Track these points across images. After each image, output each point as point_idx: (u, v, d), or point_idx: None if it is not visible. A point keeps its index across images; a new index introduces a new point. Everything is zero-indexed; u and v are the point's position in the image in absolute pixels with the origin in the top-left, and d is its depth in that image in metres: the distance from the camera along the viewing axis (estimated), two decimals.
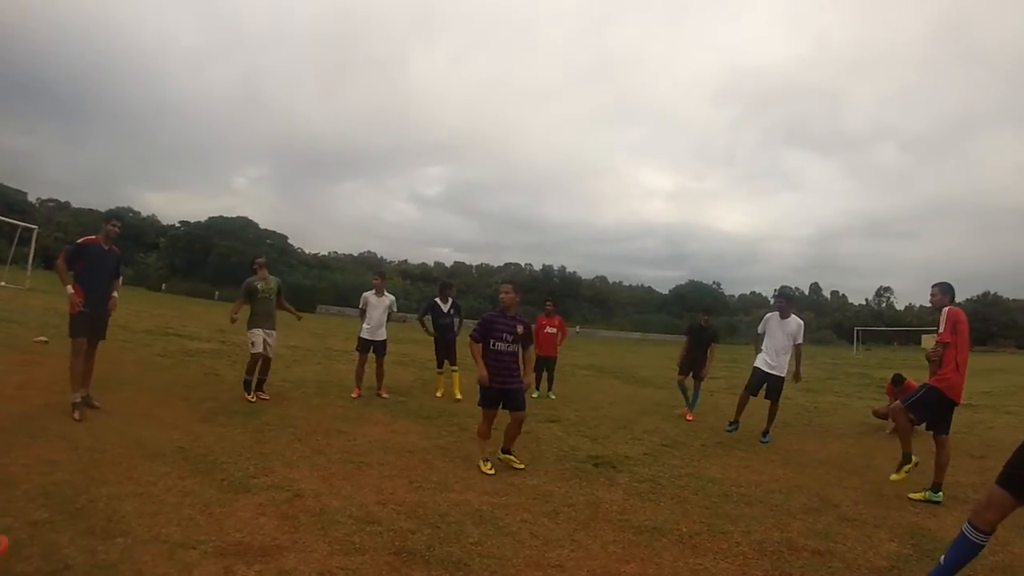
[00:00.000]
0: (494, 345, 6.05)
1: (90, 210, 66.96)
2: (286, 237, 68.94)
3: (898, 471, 6.29)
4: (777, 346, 8.63)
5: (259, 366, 8.60)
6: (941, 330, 6.00)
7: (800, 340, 8.62)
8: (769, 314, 9.00)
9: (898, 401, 6.40)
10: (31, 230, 28.76)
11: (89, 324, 6.68)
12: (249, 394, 8.31)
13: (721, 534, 4.71)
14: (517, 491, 5.41)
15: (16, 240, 28.63)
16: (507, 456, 6.27)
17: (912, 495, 6.08)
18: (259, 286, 8.62)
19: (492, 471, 5.84)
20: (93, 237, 6.85)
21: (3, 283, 23.52)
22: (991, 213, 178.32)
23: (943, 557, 3.63)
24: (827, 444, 8.72)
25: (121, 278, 7.41)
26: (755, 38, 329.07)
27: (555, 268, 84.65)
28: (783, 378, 8.64)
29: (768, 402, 8.70)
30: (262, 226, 67.34)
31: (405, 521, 4.43)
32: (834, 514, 5.42)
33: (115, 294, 7.02)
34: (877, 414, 10.44)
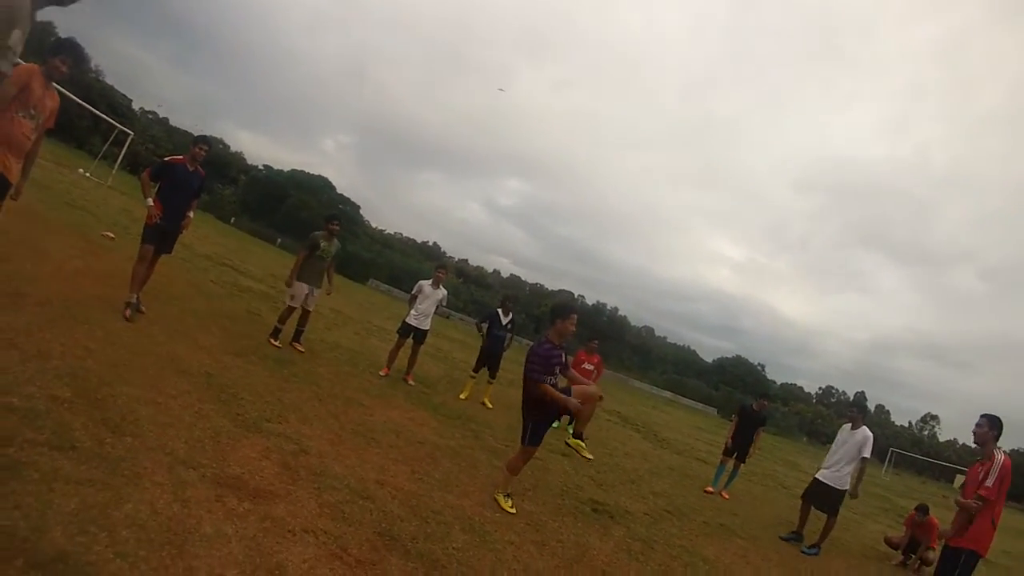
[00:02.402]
0: (549, 381, 5.43)
1: (184, 131, 69.12)
2: (359, 207, 70.12)
3: None
4: (843, 458, 8.27)
5: (299, 318, 8.75)
6: (990, 484, 5.48)
7: (867, 454, 8.14)
8: (842, 427, 8.62)
9: None
10: (127, 134, 29.82)
11: (160, 236, 6.91)
12: (275, 340, 8.42)
13: None
14: (512, 512, 5.36)
15: (110, 140, 29.68)
16: (579, 442, 5.72)
17: None
18: (322, 244, 8.73)
19: (514, 510, 5.37)
20: (180, 157, 7.09)
21: (88, 174, 24.38)
22: None
23: None
24: (829, 559, 8.29)
25: (200, 199, 7.61)
26: (856, 133, 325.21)
27: (607, 307, 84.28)
28: (844, 492, 8.23)
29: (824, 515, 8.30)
30: (339, 190, 68.66)
31: (398, 507, 4.43)
32: None
33: (191, 214, 7.23)
34: (889, 543, 10.08)
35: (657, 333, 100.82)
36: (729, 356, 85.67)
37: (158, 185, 6.89)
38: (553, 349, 5.41)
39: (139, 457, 3.53)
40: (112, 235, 11.20)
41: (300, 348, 8.72)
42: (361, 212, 70.70)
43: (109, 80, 64.52)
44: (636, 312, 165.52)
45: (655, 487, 9.13)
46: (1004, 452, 5.63)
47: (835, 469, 8.24)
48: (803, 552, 7.98)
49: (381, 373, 9.52)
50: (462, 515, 4.79)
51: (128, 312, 6.55)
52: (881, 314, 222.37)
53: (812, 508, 8.38)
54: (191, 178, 7.09)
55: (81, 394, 4.05)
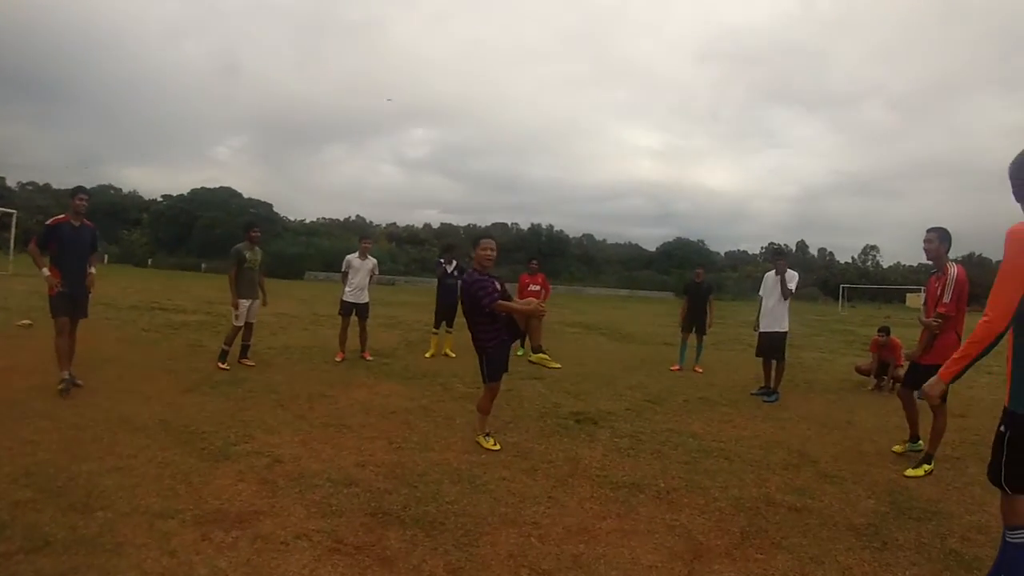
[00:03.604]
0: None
1: (69, 190, 66.16)
2: (271, 205, 68.59)
3: (916, 467, 5.56)
4: (774, 303, 8.63)
5: (242, 333, 8.69)
6: (947, 299, 5.53)
7: (791, 285, 8.51)
8: (767, 275, 9.00)
9: (910, 390, 5.89)
10: (10, 215, 28.41)
11: (69, 303, 6.69)
12: (223, 363, 8.33)
13: (699, 490, 4.78)
14: (496, 449, 5.49)
15: None
16: (541, 355, 5.70)
17: (895, 448, 6.18)
18: (247, 255, 8.63)
19: (498, 447, 5.50)
20: (63, 216, 6.78)
21: None
22: (976, 174, 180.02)
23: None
24: (809, 400, 8.81)
25: (98, 252, 7.37)
26: None
27: (542, 227, 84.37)
28: (784, 333, 8.64)
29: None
30: (246, 195, 66.90)
31: (383, 482, 4.50)
32: (813, 470, 5.47)
33: (92, 270, 6.95)
34: (860, 370, 10.67)
35: (597, 238, 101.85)
36: (671, 240, 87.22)
37: (49, 251, 6.65)
38: (483, 276, 5.42)
39: (116, 527, 3.51)
40: (29, 322, 10.82)
41: (250, 363, 8.66)
42: (275, 209, 69.27)
43: None
44: (573, 224, 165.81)
45: (630, 382, 9.43)
46: (956, 263, 5.67)
47: (770, 316, 8.65)
48: (765, 401, 8.39)
49: (337, 359, 9.54)
50: (448, 469, 4.89)
51: (63, 389, 6.38)
52: (804, 164, 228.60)
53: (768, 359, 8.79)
54: (81, 233, 6.81)
55: (41, 488, 3.97)
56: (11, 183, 66.67)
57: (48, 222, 6.80)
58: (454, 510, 4.09)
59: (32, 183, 72.29)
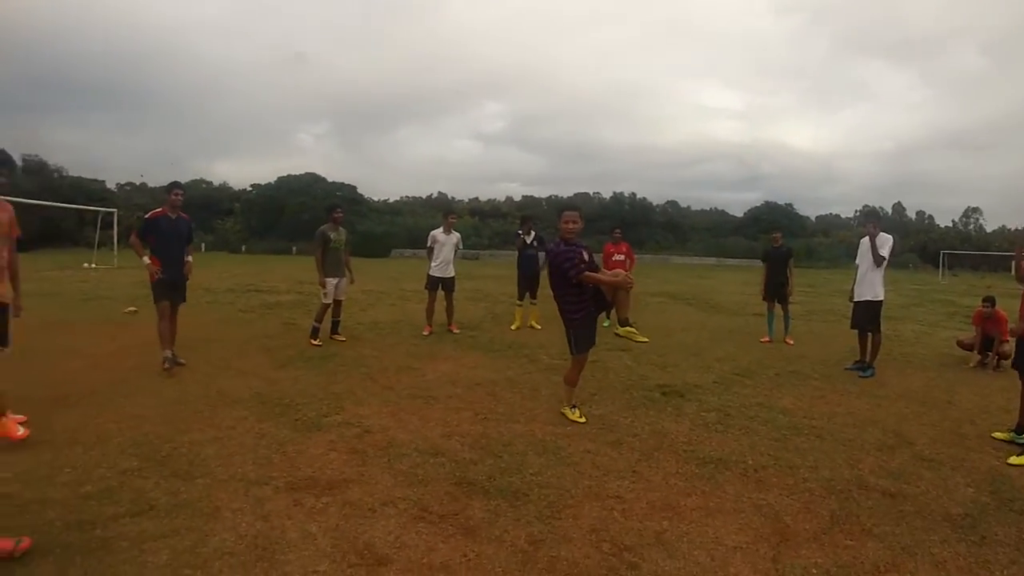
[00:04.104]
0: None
1: (163, 187, 68.95)
2: (355, 187, 69.41)
3: (1022, 454, 5.16)
4: (867, 270, 8.22)
5: (331, 310, 8.94)
6: None
7: (884, 252, 8.04)
8: (862, 240, 8.48)
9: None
10: (111, 213, 30.38)
11: (170, 289, 7.04)
12: (315, 339, 8.60)
13: (788, 469, 4.61)
14: (582, 422, 5.47)
15: (99, 224, 29.82)
16: (629, 328, 5.62)
17: (996, 434, 5.62)
18: (332, 235, 8.88)
19: (583, 419, 5.48)
20: (160, 210, 7.14)
21: (94, 265, 24.58)
22: None
23: None
24: (907, 376, 8.22)
25: (194, 242, 7.69)
26: None
27: (625, 195, 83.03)
28: (879, 302, 8.16)
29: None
30: (330, 179, 68.21)
31: (468, 452, 4.56)
32: (909, 452, 5.15)
33: (189, 259, 7.30)
34: (962, 345, 9.78)
35: (682, 205, 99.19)
36: (759, 205, 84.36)
37: (149, 243, 6.99)
38: (568, 247, 5.31)
39: (213, 493, 3.69)
40: (134, 309, 11.37)
41: (341, 338, 8.92)
42: (359, 191, 70.06)
43: (74, 173, 64.54)
44: (656, 191, 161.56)
45: (718, 354, 9.18)
46: None
47: (864, 284, 8.20)
48: (860, 376, 7.95)
49: (424, 333, 9.69)
50: (533, 440, 4.91)
51: (167, 366, 6.74)
52: (895, 118, 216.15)
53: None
54: (178, 225, 7.16)
55: (147, 458, 4.22)
56: (111, 185, 69.71)
57: (147, 215, 7.18)
58: (538, 482, 4.10)
59: (130, 183, 75.17)
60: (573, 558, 3.19)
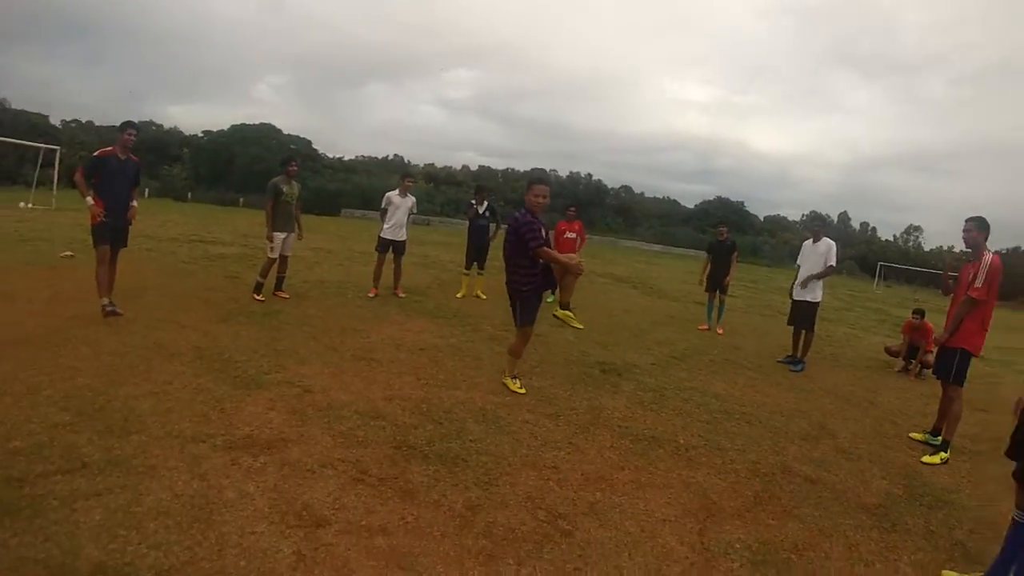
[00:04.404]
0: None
1: (112, 127, 66.57)
2: (310, 142, 68.11)
3: (933, 454, 5.53)
4: (810, 271, 8.52)
5: (276, 266, 8.79)
6: (979, 284, 5.42)
7: (832, 262, 8.42)
8: (804, 242, 8.87)
9: (954, 386, 5.71)
10: (53, 151, 28.70)
11: (111, 233, 6.82)
12: (259, 295, 8.46)
13: (717, 450, 4.83)
14: (522, 393, 5.55)
15: (40, 162, 28.39)
16: (567, 313, 5.77)
17: (913, 434, 6.05)
18: (284, 188, 8.68)
19: (523, 390, 5.58)
20: (110, 149, 6.89)
21: (31, 205, 23.60)
22: None
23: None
24: (835, 375, 8.68)
25: (139, 186, 7.47)
26: None
27: (581, 175, 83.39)
28: (817, 304, 8.53)
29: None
30: (286, 132, 66.81)
31: (409, 417, 4.60)
32: (831, 444, 5.47)
33: (134, 203, 7.09)
34: (889, 351, 10.41)
35: (636, 190, 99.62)
36: (711, 199, 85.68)
37: (94, 183, 6.76)
38: (533, 220, 5.36)
39: (149, 450, 3.63)
40: (71, 253, 11.03)
41: (284, 295, 8.80)
42: (315, 146, 68.72)
43: (17, 106, 61.77)
44: (612, 174, 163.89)
45: (658, 337, 9.44)
46: (992, 252, 5.56)
47: (802, 284, 8.51)
48: (791, 370, 8.32)
49: (370, 295, 9.64)
50: (473, 408, 4.98)
51: (108, 309, 6.58)
52: (856, 132, 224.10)
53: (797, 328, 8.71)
54: (126, 167, 6.92)
55: (79, 412, 4.10)
56: (55, 121, 66.91)
57: (96, 153, 6.92)
58: (477, 448, 4.18)
59: (76, 120, 72.63)
60: (509, 524, 3.27)
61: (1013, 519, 3.26)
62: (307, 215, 9.18)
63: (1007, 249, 75.29)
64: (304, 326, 7.17)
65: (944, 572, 3.50)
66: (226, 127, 65.27)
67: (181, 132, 73.59)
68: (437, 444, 4.14)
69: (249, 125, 65.33)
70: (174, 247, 14.26)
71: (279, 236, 8.60)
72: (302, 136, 67.32)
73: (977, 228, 5.58)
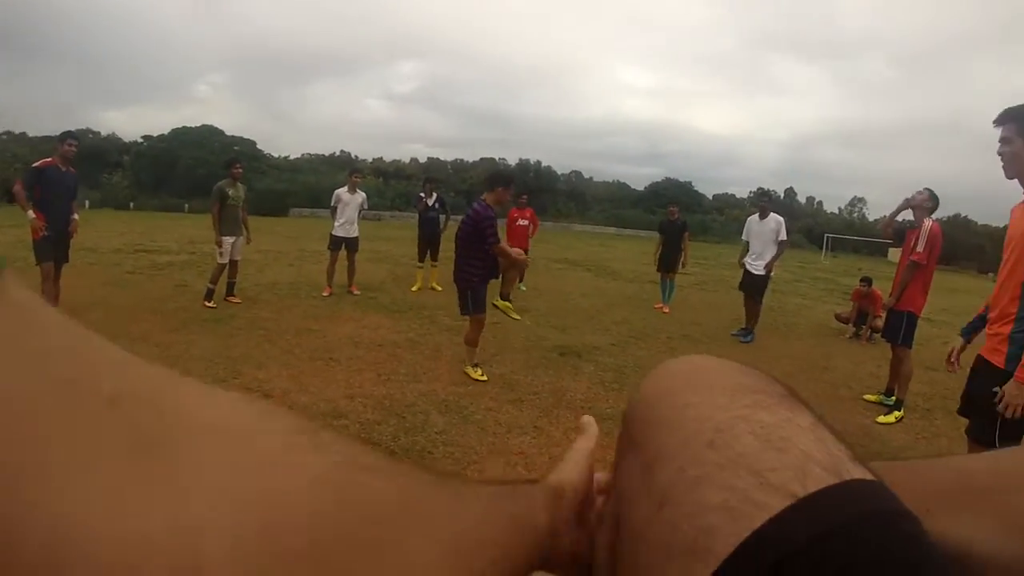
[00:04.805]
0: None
1: (46, 137, 64.56)
2: (255, 142, 67.11)
3: (888, 414, 5.82)
4: (758, 247, 8.68)
5: (226, 271, 8.62)
6: (920, 248, 5.69)
7: (783, 237, 8.55)
8: (750, 218, 9.02)
9: (904, 348, 5.98)
10: None
11: (53, 248, 6.67)
12: (209, 302, 8.29)
13: None
14: (483, 380, 5.56)
15: None
16: (507, 304, 5.96)
17: (867, 396, 6.29)
18: (230, 191, 8.50)
19: (485, 378, 5.61)
20: (50, 160, 6.71)
21: None
22: (971, 135, 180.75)
23: None
24: (789, 343, 8.99)
25: (77, 199, 7.29)
26: None
27: (531, 162, 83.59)
28: (764, 276, 8.68)
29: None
30: (229, 133, 65.64)
31: (372, 413, 4.57)
32: None
33: (75, 216, 6.94)
34: (840, 318, 10.73)
35: (585, 175, 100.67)
36: (659, 180, 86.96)
37: (34, 196, 6.57)
38: (493, 216, 5.43)
39: None
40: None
41: (236, 300, 8.61)
42: (259, 147, 67.75)
43: None
44: (561, 160, 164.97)
45: (615, 317, 9.53)
46: (933, 220, 5.81)
47: (755, 257, 8.66)
48: (741, 341, 8.58)
49: (324, 294, 9.52)
50: (436, 399, 4.97)
51: None
52: (799, 111, 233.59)
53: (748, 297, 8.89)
54: (66, 179, 6.76)
55: None
56: None
57: (35, 164, 6.73)
58: (442, 440, 4.18)
59: (7, 132, 70.30)
60: None
61: None
62: (255, 217, 9.06)
63: (947, 217, 79.54)
64: (259, 330, 7.06)
65: None
66: (166, 131, 64.10)
67: (120, 139, 71.99)
68: (402, 439, 4.13)
69: (191, 128, 64.14)
70: (119, 258, 13.91)
71: (228, 240, 8.44)
72: (246, 137, 66.35)
73: (929, 197, 5.81)
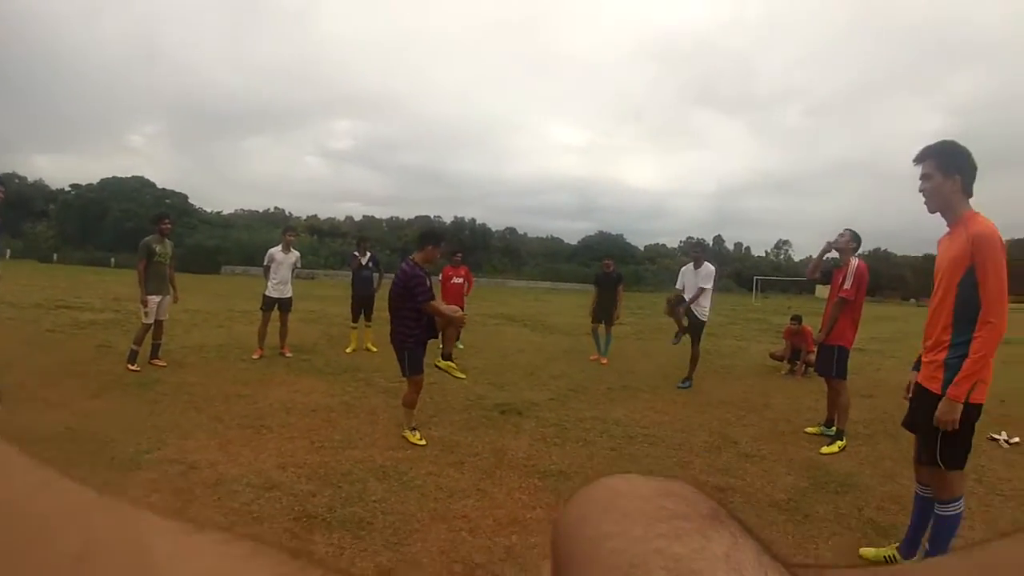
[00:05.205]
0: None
1: None
2: (186, 196, 65.84)
3: (831, 444, 6.00)
4: (694, 294, 8.80)
5: (152, 332, 8.29)
6: (847, 286, 6.02)
7: (707, 285, 8.71)
8: (684, 267, 9.18)
9: (839, 380, 6.27)
10: None
11: None
12: (133, 364, 7.94)
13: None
14: (422, 444, 5.43)
15: None
16: (449, 363, 5.92)
17: (808, 429, 6.53)
18: (157, 248, 8.24)
19: (423, 441, 5.45)
20: None
21: None
22: (885, 176, 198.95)
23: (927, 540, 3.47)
24: (727, 385, 9.18)
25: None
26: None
27: (465, 220, 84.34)
28: (703, 321, 8.81)
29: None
30: (160, 186, 64.32)
31: (306, 484, 4.38)
32: (734, 451, 5.72)
33: None
34: (774, 356, 11.22)
35: (520, 231, 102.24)
36: (592, 234, 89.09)
37: None
38: (421, 273, 5.41)
39: None
40: None
41: (161, 363, 8.27)
42: (191, 200, 66.36)
43: None
44: (496, 218, 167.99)
45: (553, 372, 9.54)
46: (858, 257, 6.17)
47: (694, 306, 8.79)
48: (678, 387, 8.67)
49: (254, 356, 9.24)
50: (373, 466, 4.80)
51: None
52: (723, 163, 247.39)
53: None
54: None
55: None
56: None
57: None
58: (382, 509, 4.02)
59: None
60: None
61: (916, 493, 3.56)
62: (185, 274, 8.82)
63: (869, 251, 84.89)
64: (185, 396, 6.76)
65: (862, 550, 3.73)
66: (96, 180, 62.35)
67: (47, 186, 69.89)
68: (339, 510, 3.95)
69: (121, 178, 62.61)
70: (38, 314, 13.34)
71: (154, 300, 8.15)
72: (178, 190, 65.10)
73: (851, 238, 6.17)
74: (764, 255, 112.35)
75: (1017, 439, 6.46)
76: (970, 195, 3.17)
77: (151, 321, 8.16)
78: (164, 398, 6.64)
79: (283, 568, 0.25)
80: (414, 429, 5.59)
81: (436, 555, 3.44)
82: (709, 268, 8.79)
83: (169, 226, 8.49)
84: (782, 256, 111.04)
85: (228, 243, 56.82)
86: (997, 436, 6.47)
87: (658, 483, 0.34)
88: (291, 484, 4.36)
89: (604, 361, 10.75)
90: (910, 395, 3.69)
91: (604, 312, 10.87)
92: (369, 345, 10.59)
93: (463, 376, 6.27)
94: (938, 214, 3.24)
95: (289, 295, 9.76)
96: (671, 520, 0.29)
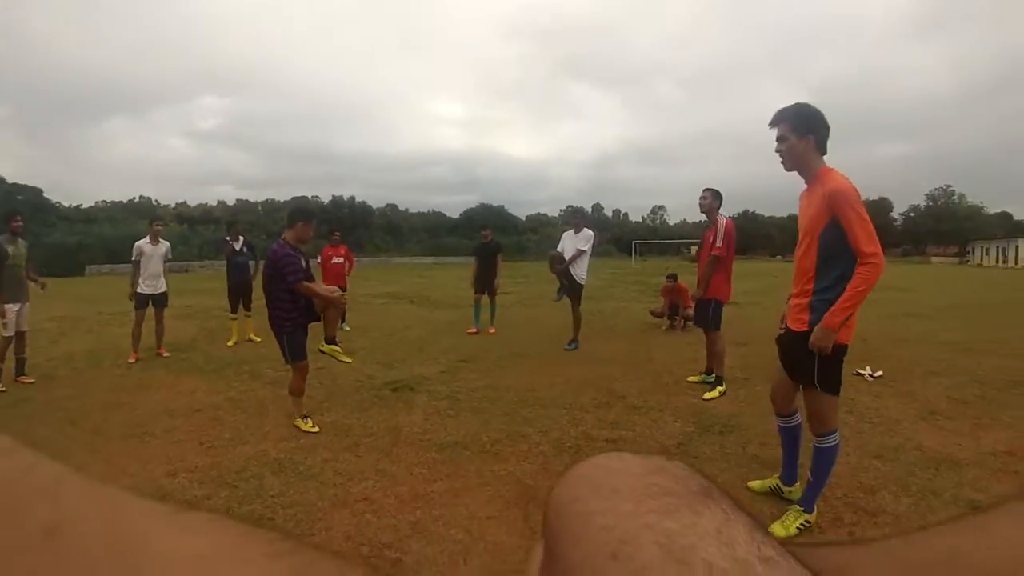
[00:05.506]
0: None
1: None
2: (41, 191, 61.49)
3: (712, 390, 6.45)
4: (572, 258, 9.09)
5: (13, 345, 7.71)
6: (719, 244, 6.42)
7: (585, 247, 9.02)
8: (565, 233, 9.45)
9: (714, 331, 6.71)
10: None
11: None
12: None
13: (521, 438, 5.06)
14: (315, 431, 5.40)
15: None
16: (333, 347, 5.82)
17: (690, 378, 7.02)
18: (10, 250, 7.56)
19: (316, 428, 5.40)
20: None
21: None
22: (747, 145, 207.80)
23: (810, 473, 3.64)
24: (612, 343, 9.61)
25: None
26: None
27: (344, 198, 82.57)
28: (580, 284, 9.11)
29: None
30: (10, 180, 59.76)
31: (199, 488, 4.28)
32: (622, 405, 6.02)
33: None
34: (654, 313, 11.91)
35: (401, 207, 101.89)
36: (474, 206, 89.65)
37: None
38: (292, 252, 5.24)
39: None
40: None
41: (29, 379, 7.69)
42: (46, 195, 62.04)
43: None
44: (376, 194, 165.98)
45: (442, 346, 9.63)
46: (726, 216, 6.56)
47: (572, 267, 9.09)
48: (565, 349, 9.07)
49: (130, 360, 8.78)
50: (268, 460, 4.74)
51: None
52: (598, 134, 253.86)
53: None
54: None
55: None
56: None
57: None
58: (281, 502, 3.99)
59: None
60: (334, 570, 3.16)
61: (779, 426, 3.93)
62: (45, 278, 8.25)
63: (738, 213, 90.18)
64: (59, 411, 6.37)
65: (749, 483, 4.06)
66: None
67: None
68: (236, 509, 3.89)
69: None
70: None
71: (11, 309, 7.55)
72: (30, 185, 60.55)
73: (712, 196, 6.57)
74: (641, 220, 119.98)
75: (880, 372, 7.26)
76: (824, 152, 3.40)
77: (11, 333, 7.58)
78: (36, 416, 6.24)
79: (279, 546, 0.26)
80: (305, 417, 5.54)
81: (343, 540, 3.46)
82: (588, 232, 9.14)
83: (20, 224, 7.81)
84: (658, 221, 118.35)
85: (91, 239, 53.25)
86: (862, 371, 7.23)
87: (649, 461, 0.33)
88: (183, 490, 4.25)
89: (492, 331, 10.90)
90: (782, 327, 3.95)
91: (485, 282, 11.00)
92: (252, 336, 10.31)
93: (349, 360, 6.26)
94: (795, 172, 3.48)
95: (163, 290, 9.31)
96: (661, 496, 0.30)
